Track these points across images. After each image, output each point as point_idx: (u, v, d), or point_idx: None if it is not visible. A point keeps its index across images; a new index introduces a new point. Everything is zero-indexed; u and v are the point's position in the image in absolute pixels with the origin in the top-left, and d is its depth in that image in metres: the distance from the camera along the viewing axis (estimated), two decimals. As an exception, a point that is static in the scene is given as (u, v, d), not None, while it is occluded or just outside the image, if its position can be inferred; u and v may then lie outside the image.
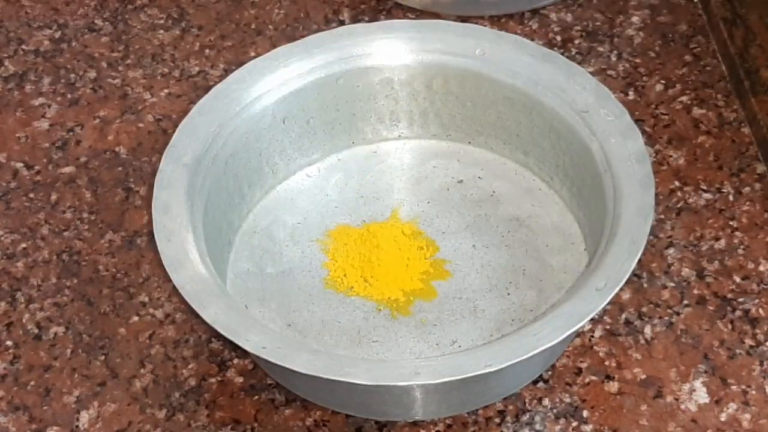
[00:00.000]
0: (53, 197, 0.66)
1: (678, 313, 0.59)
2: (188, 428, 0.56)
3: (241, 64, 0.63)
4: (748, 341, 0.58)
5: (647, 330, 0.58)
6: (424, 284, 0.59)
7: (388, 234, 0.61)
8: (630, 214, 0.54)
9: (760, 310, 0.59)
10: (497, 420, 0.56)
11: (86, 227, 0.64)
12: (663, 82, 0.70)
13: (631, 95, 0.69)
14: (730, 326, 0.58)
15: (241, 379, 0.58)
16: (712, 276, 0.60)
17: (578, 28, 0.73)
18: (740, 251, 0.61)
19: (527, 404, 0.56)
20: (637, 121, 0.61)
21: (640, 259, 0.53)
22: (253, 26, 0.75)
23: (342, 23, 0.74)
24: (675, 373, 0.57)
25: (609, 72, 0.70)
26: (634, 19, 0.74)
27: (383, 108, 0.65)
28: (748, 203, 0.64)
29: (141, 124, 0.70)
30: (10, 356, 0.59)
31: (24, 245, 0.64)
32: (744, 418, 0.55)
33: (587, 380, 0.57)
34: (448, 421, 0.56)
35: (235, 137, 0.60)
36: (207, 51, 0.74)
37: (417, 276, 0.60)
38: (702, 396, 0.56)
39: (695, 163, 0.66)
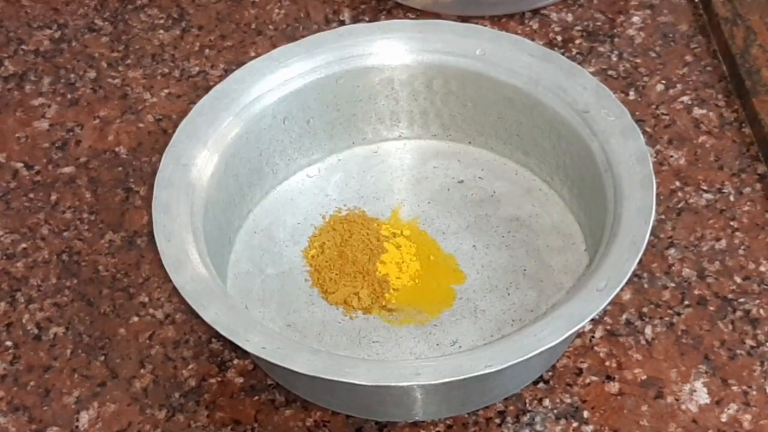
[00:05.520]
0: (53, 197, 0.66)
1: (679, 314, 0.59)
2: (188, 429, 0.56)
3: (241, 64, 0.63)
4: (749, 342, 0.58)
5: (648, 330, 0.58)
6: (447, 294, 0.59)
7: (388, 234, 0.61)
8: (631, 215, 0.54)
9: (761, 311, 0.59)
10: (497, 420, 0.55)
11: (86, 227, 0.64)
12: (664, 82, 0.70)
13: (632, 95, 0.69)
14: (730, 327, 0.58)
15: (241, 380, 0.57)
16: (712, 276, 0.60)
17: (579, 28, 0.73)
18: (741, 251, 0.61)
19: (528, 405, 0.56)
20: (637, 121, 0.61)
21: (640, 260, 0.53)
22: (253, 26, 0.75)
23: (342, 23, 0.74)
24: (676, 373, 0.57)
25: (609, 72, 0.70)
26: (635, 19, 0.74)
27: (384, 108, 0.65)
28: (748, 203, 0.63)
29: (141, 124, 0.70)
30: (10, 356, 0.59)
31: (24, 245, 0.64)
32: (745, 418, 0.55)
33: (588, 381, 0.57)
34: (448, 422, 0.56)
35: (235, 137, 0.60)
36: (207, 51, 0.74)
37: (414, 276, 0.60)
38: (703, 396, 0.56)
39: (696, 164, 0.66)
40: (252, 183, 0.62)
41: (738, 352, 0.57)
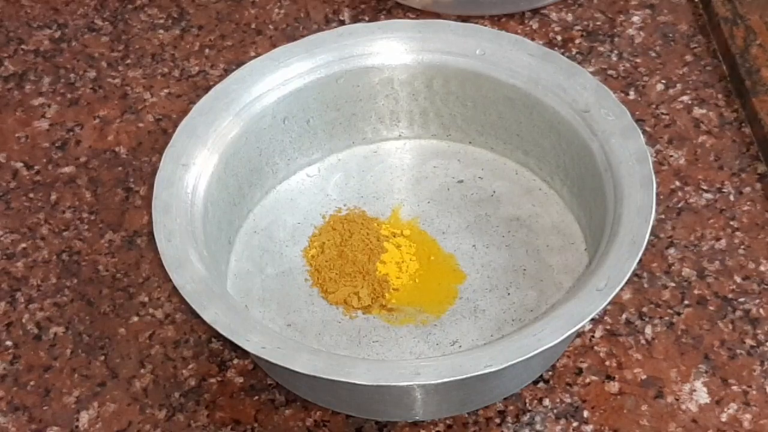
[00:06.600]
0: (53, 197, 0.66)
1: (679, 313, 0.59)
2: (188, 428, 0.56)
3: (241, 64, 0.63)
4: (749, 341, 0.58)
5: (648, 330, 0.58)
6: (447, 293, 0.59)
7: (388, 234, 0.61)
8: (630, 214, 0.54)
9: (761, 311, 0.59)
10: (497, 420, 0.55)
11: (86, 227, 0.64)
12: (663, 81, 0.70)
13: (632, 95, 0.69)
14: (730, 326, 0.58)
15: (241, 380, 0.57)
16: (712, 276, 0.60)
17: (579, 27, 0.73)
18: (741, 251, 0.61)
19: (527, 404, 0.56)
20: (637, 120, 0.61)
21: (640, 259, 0.53)
22: (253, 26, 0.75)
23: (342, 23, 0.74)
24: (675, 373, 0.57)
25: (609, 72, 0.70)
26: (635, 18, 0.74)
27: (383, 108, 0.65)
28: (748, 203, 0.63)
29: (141, 124, 0.70)
30: (10, 356, 0.59)
31: (24, 245, 0.64)
32: (745, 418, 0.55)
33: (588, 380, 0.57)
34: (448, 422, 0.56)
35: (235, 137, 0.60)
36: (207, 51, 0.74)
37: (413, 276, 0.60)
38: (702, 396, 0.56)
39: (696, 163, 0.66)
40: (252, 183, 0.62)
41: (738, 351, 0.57)
